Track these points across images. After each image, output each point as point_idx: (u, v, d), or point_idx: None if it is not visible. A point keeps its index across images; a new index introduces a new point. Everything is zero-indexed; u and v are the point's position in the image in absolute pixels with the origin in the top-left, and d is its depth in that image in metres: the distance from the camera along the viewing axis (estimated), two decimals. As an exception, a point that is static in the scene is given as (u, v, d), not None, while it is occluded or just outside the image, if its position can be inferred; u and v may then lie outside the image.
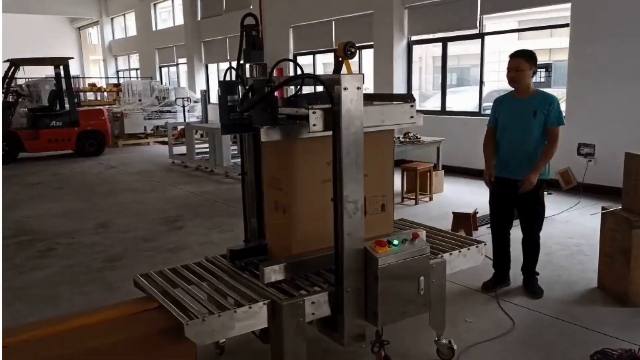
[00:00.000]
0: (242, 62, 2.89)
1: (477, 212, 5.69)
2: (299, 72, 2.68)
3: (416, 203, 7.04)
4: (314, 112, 2.38)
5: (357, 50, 2.69)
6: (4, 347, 2.13)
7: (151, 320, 2.42)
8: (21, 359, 2.14)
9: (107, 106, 15.34)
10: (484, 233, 5.55)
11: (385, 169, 2.92)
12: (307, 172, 2.64)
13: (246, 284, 2.67)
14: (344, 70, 2.76)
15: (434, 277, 2.79)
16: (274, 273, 2.63)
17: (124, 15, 23.31)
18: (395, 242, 2.63)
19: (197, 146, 10.87)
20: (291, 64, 10.29)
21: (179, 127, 12.78)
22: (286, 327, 2.41)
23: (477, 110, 9.21)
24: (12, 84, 12.15)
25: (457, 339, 3.18)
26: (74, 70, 15.74)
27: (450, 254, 3.07)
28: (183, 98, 14.29)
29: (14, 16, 21.14)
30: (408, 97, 2.69)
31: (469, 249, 3.16)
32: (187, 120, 13.59)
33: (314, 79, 2.43)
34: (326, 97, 2.42)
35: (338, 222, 2.48)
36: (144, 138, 14.68)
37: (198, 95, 14.53)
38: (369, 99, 2.80)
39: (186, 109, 14.20)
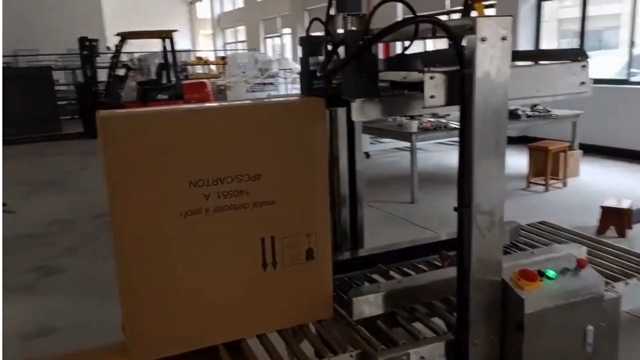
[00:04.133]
0: (332, 12, 2.11)
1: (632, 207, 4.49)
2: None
3: (546, 189, 5.88)
4: (431, 77, 1.55)
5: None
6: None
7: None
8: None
9: (212, 79, 15.35)
10: (642, 234, 4.36)
11: (312, 184, 1.78)
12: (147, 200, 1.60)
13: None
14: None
15: (603, 320, 1.87)
16: (369, 305, 1.88)
17: (231, -14, 23.40)
18: (551, 273, 1.76)
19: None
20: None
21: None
22: (382, 392, 1.66)
23: (623, 77, 7.65)
24: (124, 58, 12.39)
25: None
26: (184, 44, 16.06)
27: (627, 283, 2.11)
28: (285, 69, 13.85)
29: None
30: (578, 54, 1.75)
31: (654, 275, 2.17)
32: (288, 92, 13.15)
33: (434, 23, 1.57)
34: (451, 57, 1.59)
35: (465, 242, 1.66)
36: (247, 111, 14.49)
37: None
38: (513, 56, 1.90)
39: (288, 80, 13.75)
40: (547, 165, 5.79)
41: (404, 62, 1.75)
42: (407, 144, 5.99)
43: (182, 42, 24.49)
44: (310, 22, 2.05)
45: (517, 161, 6.98)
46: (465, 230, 1.65)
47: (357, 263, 2.33)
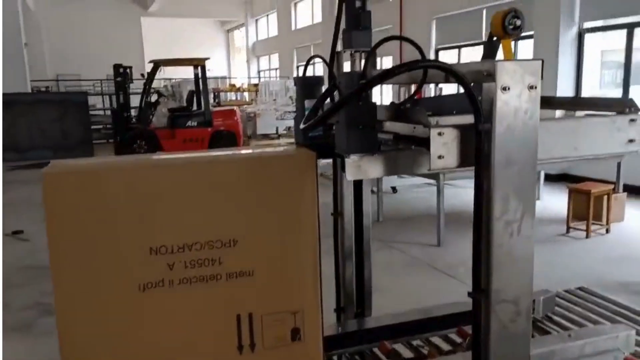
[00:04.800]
0: (338, 48, 1.85)
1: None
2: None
3: (587, 236, 5.40)
4: (439, 133, 1.26)
5: (523, 25, 1.51)
6: None
7: None
8: None
9: (243, 106, 15.35)
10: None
11: (299, 251, 1.50)
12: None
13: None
14: (500, 55, 1.60)
15: None
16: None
17: (267, 16, 23.67)
18: (592, 376, 1.41)
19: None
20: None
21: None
22: None
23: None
24: (155, 85, 12.50)
25: None
26: (221, 71, 16.19)
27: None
28: (316, 98, 13.69)
29: (171, 20, 22.55)
30: (626, 104, 1.43)
31: None
32: (318, 121, 12.95)
33: (441, 69, 1.26)
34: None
35: (482, 336, 1.33)
36: (276, 138, 14.37)
37: (332, 95, 13.82)
38: (545, 104, 1.59)
39: (319, 109, 13.57)
40: (589, 209, 5.32)
41: (409, 110, 1.46)
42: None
43: (217, 69, 24.90)
44: (308, 60, 1.79)
45: (557, 202, 6.51)
46: (482, 321, 1.33)
47: (361, 336, 2.01)
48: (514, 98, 1.21)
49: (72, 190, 1.32)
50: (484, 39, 9.99)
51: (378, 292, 2.27)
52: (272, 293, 1.51)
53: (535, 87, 1.22)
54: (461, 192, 7.70)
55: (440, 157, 1.26)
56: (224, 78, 23.06)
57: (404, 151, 1.44)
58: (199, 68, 12.03)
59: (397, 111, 1.50)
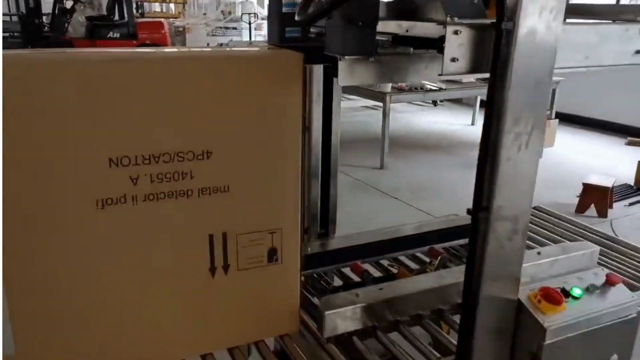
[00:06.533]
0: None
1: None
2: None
3: (521, 160, 5.61)
4: (456, 32, 1.11)
5: None
6: None
7: None
8: None
9: (170, 19, 14.30)
10: (623, 214, 4.15)
11: (280, 166, 1.36)
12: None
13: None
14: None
15: (628, 346, 1.55)
16: (344, 320, 1.48)
17: None
18: (577, 291, 1.41)
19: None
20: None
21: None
22: None
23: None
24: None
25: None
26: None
27: (645, 293, 1.79)
28: (250, 14, 12.97)
29: None
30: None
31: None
32: (252, 39, 12.36)
33: None
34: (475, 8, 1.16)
35: (477, 253, 1.27)
36: (207, 56, 13.62)
37: (266, 12, 13.16)
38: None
39: (252, 26, 12.90)
40: (523, 134, 5.49)
41: (415, 8, 1.29)
42: (378, 103, 5.56)
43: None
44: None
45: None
46: (479, 239, 1.26)
47: (330, 255, 1.93)
48: (539, -5, 1.07)
49: (21, 86, 1.07)
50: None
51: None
52: (248, 211, 1.36)
53: (562, -15, 1.09)
54: (400, 117, 7.73)
55: (453, 59, 1.12)
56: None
57: (406, 55, 1.28)
58: (122, -27, 10.93)
59: (398, 7, 1.32)
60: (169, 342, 1.37)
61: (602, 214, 4.00)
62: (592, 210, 4.10)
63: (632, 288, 1.78)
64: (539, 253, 1.67)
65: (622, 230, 3.73)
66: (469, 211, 1.25)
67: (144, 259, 1.27)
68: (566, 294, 1.39)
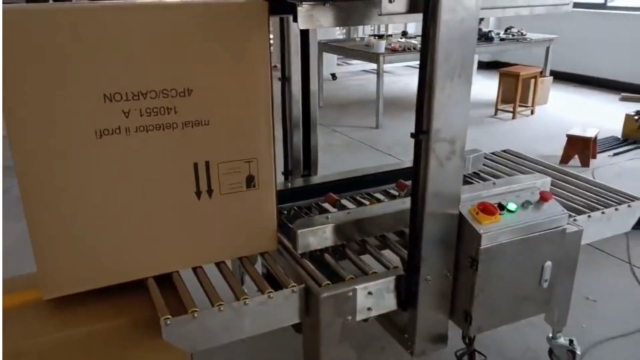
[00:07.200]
0: None
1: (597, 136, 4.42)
2: None
3: (514, 117, 5.76)
4: (391, -24, 1.31)
5: None
6: None
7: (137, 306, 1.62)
8: None
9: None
10: (606, 163, 4.32)
11: (253, 102, 1.55)
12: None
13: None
14: None
15: (562, 255, 1.77)
16: (315, 238, 1.72)
17: None
18: (512, 206, 1.63)
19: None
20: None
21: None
22: (325, 330, 1.54)
23: (600, 1, 7.38)
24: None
25: (576, 330, 2.23)
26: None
27: (589, 216, 2.00)
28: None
29: None
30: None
31: (617, 209, 2.07)
32: None
33: None
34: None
35: (421, 172, 1.49)
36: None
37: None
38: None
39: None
40: (517, 92, 5.63)
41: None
42: (375, 67, 5.71)
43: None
44: None
45: (488, 87, 6.81)
46: (421, 159, 1.48)
47: (309, 191, 2.16)
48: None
49: (23, 31, 1.28)
50: None
51: (321, 169, 2.37)
52: (227, 142, 1.57)
53: None
54: (398, 80, 7.86)
55: (391, 1, 1.32)
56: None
57: (360, 1, 1.48)
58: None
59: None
60: (164, 254, 1.60)
61: (585, 163, 4.18)
62: (576, 161, 4.28)
63: (579, 212, 2.01)
64: (494, 183, 1.88)
65: (602, 177, 3.91)
66: (412, 135, 1.47)
67: (139, 182, 1.50)
68: (502, 207, 1.60)
